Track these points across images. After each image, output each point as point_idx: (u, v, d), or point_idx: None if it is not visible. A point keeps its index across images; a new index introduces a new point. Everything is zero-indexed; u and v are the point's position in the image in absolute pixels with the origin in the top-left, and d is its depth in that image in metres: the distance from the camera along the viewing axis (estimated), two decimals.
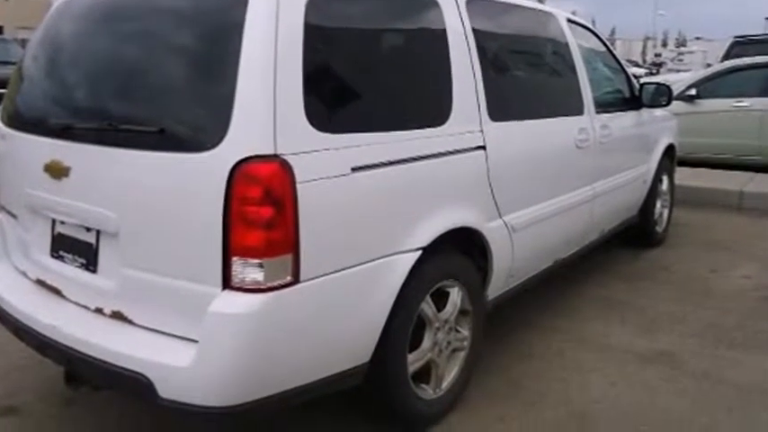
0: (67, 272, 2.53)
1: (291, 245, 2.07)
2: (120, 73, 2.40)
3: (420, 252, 2.52)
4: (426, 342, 2.70)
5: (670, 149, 5.51)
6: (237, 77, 2.05)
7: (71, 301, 2.51)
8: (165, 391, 2.08)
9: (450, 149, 2.73)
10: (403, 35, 2.77)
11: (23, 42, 14.49)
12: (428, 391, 2.76)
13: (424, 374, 2.74)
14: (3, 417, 2.86)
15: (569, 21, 4.12)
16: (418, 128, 2.60)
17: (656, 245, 5.50)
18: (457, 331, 2.88)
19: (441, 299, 2.77)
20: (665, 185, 5.56)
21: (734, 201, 6.93)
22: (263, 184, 2.02)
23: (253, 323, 2.04)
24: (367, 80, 2.48)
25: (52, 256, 2.61)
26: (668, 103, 4.92)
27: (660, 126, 5.35)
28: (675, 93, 6.18)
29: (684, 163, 7.48)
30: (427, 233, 2.56)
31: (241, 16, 2.09)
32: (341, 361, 2.36)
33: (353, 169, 2.27)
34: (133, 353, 2.16)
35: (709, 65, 18.11)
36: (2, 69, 10.09)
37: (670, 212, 5.78)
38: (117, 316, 2.34)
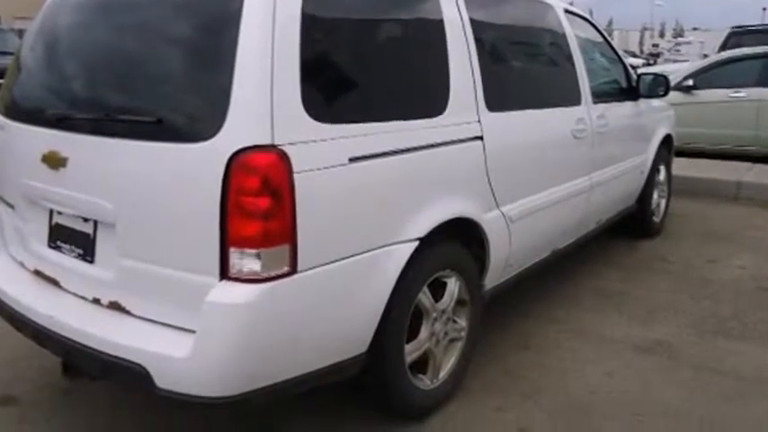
0: (65, 262, 2.53)
1: (289, 235, 2.07)
2: (118, 63, 2.40)
3: (417, 242, 2.52)
4: (424, 332, 2.70)
5: (667, 140, 5.51)
6: (235, 67, 2.04)
7: (69, 292, 2.51)
8: (163, 381, 2.08)
9: (448, 140, 2.72)
10: (400, 25, 2.76)
11: (20, 33, 14.42)
12: (425, 382, 2.77)
13: (421, 365, 2.75)
14: (2, 406, 2.86)
15: (567, 11, 4.11)
16: (416, 118, 2.59)
17: (654, 235, 5.50)
18: (454, 321, 2.88)
19: (438, 289, 2.77)
20: (662, 176, 5.56)
21: (731, 191, 6.93)
22: (261, 175, 2.01)
23: (250, 313, 2.05)
24: (364, 70, 2.48)
25: (50, 246, 2.61)
26: (665, 94, 4.91)
27: (657, 116, 5.35)
28: (673, 83, 6.17)
29: (682, 153, 7.49)
30: (425, 223, 2.56)
31: (238, 6, 2.09)
32: (338, 351, 2.36)
33: (351, 159, 2.26)
34: (131, 343, 2.16)
35: (706, 55, 18.12)
36: None
37: (667, 203, 5.78)
38: (114, 306, 2.34)
